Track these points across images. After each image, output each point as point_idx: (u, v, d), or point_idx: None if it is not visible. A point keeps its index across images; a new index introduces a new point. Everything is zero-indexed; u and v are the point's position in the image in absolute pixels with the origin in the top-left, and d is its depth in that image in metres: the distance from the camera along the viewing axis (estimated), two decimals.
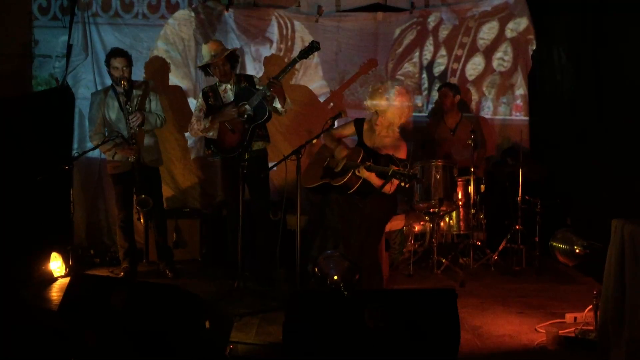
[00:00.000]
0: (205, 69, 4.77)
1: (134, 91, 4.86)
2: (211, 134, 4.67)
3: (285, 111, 4.70)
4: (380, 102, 4.12)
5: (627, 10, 4.63)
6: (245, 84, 4.73)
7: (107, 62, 4.84)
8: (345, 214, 4.09)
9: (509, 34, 6.01)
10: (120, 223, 5.00)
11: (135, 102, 4.84)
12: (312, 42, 4.46)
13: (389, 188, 4.08)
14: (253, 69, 5.99)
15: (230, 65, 4.71)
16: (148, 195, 4.77)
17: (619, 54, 4.82)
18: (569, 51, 5.69)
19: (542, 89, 6.09)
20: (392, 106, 4.09)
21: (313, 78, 6.13)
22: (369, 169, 4.01)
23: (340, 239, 4.03)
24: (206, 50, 4.67)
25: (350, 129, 4.43)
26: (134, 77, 4.95)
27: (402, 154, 4.15)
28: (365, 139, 4.30)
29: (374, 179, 4.05)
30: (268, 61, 6.05)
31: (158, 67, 5.94)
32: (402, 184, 3.81)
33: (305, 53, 4.45)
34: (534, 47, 5.99)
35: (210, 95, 4.76)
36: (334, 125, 4.37)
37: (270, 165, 4.78)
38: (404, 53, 6.17)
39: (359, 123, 4.37)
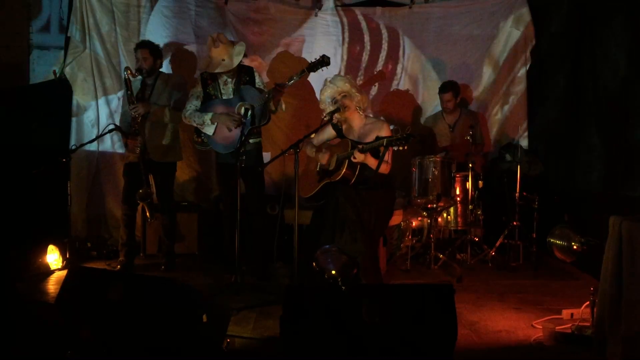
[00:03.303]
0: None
1: (157, 83, 4.89)
2: (207, 130, 4.65)
3: (275, 111, 4.68)
4: (333, 91, 4.31)
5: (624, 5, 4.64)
6: (246, 78, 4.71)
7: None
8: (356, 204, 4.11)
9: (508, 29, 6.00)
10: (123, 215, 5.01)
11: (148, 94, 4.86)
12: (323, 56, 4.43)
13: (385, 167, 4.15)
14: (250, 62, 5.97)
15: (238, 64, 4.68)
16: (155, 189, 4.80)
17: (617, 50, 4.82)
18: (567, 46, 5.69)
19: (541, 85, 6.09)
20: (344, 87, 4.28)
21: (307, 21, 6.12)
22: (362, 151, 4.09)
23: (357, 229, 4.03)
24: (216, 54, 4.57)
25: (329, 132, 4.54)
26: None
27: (386, 132, 4.24)
28: (347, 136, 4.41)
29: (369, 159, 4.13)
30: (275, 58, 6.05)
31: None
32: (401, 148, 3.84)
33: (315, 66, 4.41)
34: (533, 43, 5.99)
35: (210, 84, 4.73)
36: (332, 119, 4.39)
37: (268, 159, 4.77)
38: (403, 48, 6.16)
39: (336, 125, 4.47)
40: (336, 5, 6.09)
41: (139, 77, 4.89)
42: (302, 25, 6.07)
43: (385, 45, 6.15)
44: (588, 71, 5.27)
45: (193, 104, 4.74)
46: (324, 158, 4.40)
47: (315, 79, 6.10)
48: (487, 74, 6.10)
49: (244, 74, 4.75)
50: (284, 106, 4.69)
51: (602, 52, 5.03)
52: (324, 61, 4.41)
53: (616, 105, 4.83)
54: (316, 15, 6.05)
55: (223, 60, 4.58)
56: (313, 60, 4.45)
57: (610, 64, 4.88)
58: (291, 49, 6.07)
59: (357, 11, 6.13)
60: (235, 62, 4.61)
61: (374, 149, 4.11)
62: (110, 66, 5.81)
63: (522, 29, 5.98)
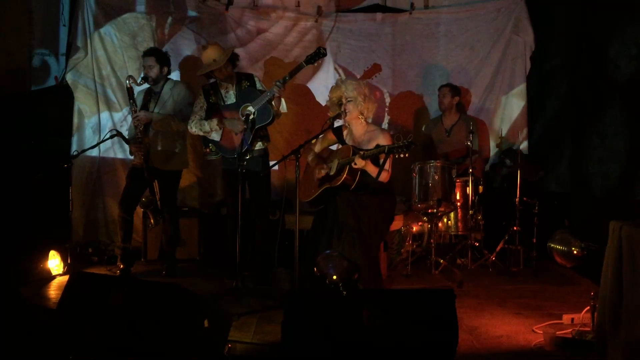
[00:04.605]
0: (207, 73, 4.73)
1: (164, 90, 4.92)
2: (214, 137, 4.66)
3: (279, 115, 4.67)
4: (340, 93, 4.32)
5: (623, 10, 4.67)
6: (247, 83, 4.73)
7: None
8: (355, 210, 4.12)
9: (508, 35, 6.02)
10: (118, 217, 5.01)
11: (154, 102, 4.90)
12: (319, 48, 4.43)
13: (385, 176, 4.17)
14: (252, 69, 5.99)
15: (232, 66, 4.70)
16: (156, 197, 4.81)
17: (617, 54, 4.85)
18: (567, 52, 5.71)
19: (540, 90, 6.11)
20: (351, 92, 4.29)
21: (313, 78, 6.14)
22: (364, 157, 4.10)
23: (355, 235, 4.04)
24: (207, 57, 4.61)
25: (331, 138, 4.54)
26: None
27: (386, 140, 4.26)
28: (348, 142, 4.43)
29: (370, 167, 4.15)
30: (269, 63, 6.06)
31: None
32: (402, 156, 3.85)
33: (312, 59, 4.40)
34: (533, 49, 6.00)
35: (212, 94, 4.73)
36: (333, 125, 4.41)
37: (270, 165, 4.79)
38: (402, 54, 6.19)
39: (337, 130, 4.49)
40: (336, 11, 6.11)
41: (145, 84, 4.90)
42: (302, 31, 6.08)
43: (385, 51, 6.19)
44: (589, 74, 5.30)
45: (198, 115, 4.73)
46: (320, 173, 4.43)
47: (315, 85, 6.15)
48: (487, 79, 6.11)
49: (244, 80, 4.76)
50: (284, 105, 4.67)
51: (603, 57, 5.05)
52: (320, 53, 4.40)
53: (618, 107, 4.86)
54: (316, 22, 6.07)
55: (214, 60, 4.59)
56: (309, 54, 4.44)
57: (612, 67, 4.91)
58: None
59: (357, 17, 6.14)
60: (225, 57, 4.59)
61: (375, 157, 4.13)
62: (112, 72, 5.83)
63: (521, 35, 6.00)
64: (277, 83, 4.43)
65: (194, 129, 4.73)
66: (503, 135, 6.01)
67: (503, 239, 5.24)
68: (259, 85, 4.76)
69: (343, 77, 6.07)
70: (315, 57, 4.41)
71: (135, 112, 4.81)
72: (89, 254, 5.57)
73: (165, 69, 4.96)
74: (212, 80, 4.77)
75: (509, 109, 6.13)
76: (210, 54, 4.60)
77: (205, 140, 4.74)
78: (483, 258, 5.30)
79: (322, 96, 6.10)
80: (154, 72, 4.86)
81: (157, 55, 4.90)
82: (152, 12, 5.91)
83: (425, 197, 5.03)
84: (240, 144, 4.40)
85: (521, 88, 6.08)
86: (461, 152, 5.45)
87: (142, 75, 4.87)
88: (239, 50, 5.84)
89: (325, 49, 4.43)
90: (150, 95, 4.97)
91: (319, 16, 6.07)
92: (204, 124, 4.66)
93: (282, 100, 4.61)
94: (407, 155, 3.86)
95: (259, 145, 4.70)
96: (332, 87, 4.46)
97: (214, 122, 4.63)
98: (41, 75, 5.95)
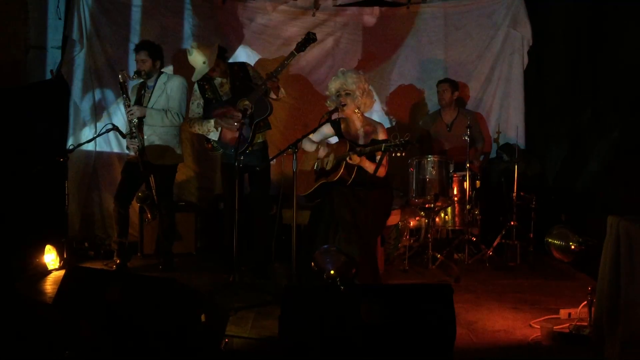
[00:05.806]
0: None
1: (157, 85, 4.88)
2: (213, 136, 4.63)
3: (279, 99, 4.64)
4: (339, 85, 4.31)
5: (625, 5, 4.66)
6: (241, 74, 4.67)
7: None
8: (352, 205, 4.10)
9: (505, 29, 6.01)
10: (114, 211, 5.00)
11: (148, 96, 4.86)
12: (308, 33, 4.38)
13: (381, 171, 4.17)
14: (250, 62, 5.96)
15: (223, 60, 4.65)
16: (153, 191, 4.79)
17: (616, 50, 4.84)
18: (565, 47, 5.70)
19: (538, 85, 6.10)
20: (351, 86, 4.27)
21: (310, 71, 6.12)
22: (360, 154, 4.08)
23: (352, 231, 4.03)
24: (195, 61, 4.54)
25: (328, 130, 4.51)
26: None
27: (383, 135, 4.27)
28: (345, 136, 4.41)
29: (366, 163, 4.14)
30: (264, 60, 6.04)
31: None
32: (399, 154, 3.85)
33: (302, 46, 4.37)
34: (531, 43, 5.99)
35: (207, 89, 4.69)
36: (330, 118, 4.39)
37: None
38: (400, 48, 6.17)
39: (335, 123, 4.46)
40: (333, 5, 6.08)
41: (139, 79, 4.86)
42: (299, 24, 6.06)
43: (383, 45, 6.17)
44: (587, 69, 5.29)
45: (195, 113, 4.70)
46: (324, 152, 4.40)
47: (314, 77, 6.12)
48: (485, 74, 6.10)
49: (237, 71, 4.70)
50: (283, 91, 4.63)
51: (603, 56, 5.05)
52: (310, 38, 4.36)
53: (615, 103, 4.85)
54: (314, 15, 6.05)
55: (204, 63, 4.53)
56: (299, 40, 4.41)
57: (610, 62, 4.90)
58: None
59: (355, 11, 6.11)
60: (213, 55, 4.52)
61: (371, 152, 4.11)
62: (107, 66, 5.80)
63: (519, 29, 5.98)
64: (270, 75, 4.40)
65: (192, 128, 4.73)
66: (500, 130, 6.02)
67: (500, 233, 5.25)
68: (252, 74, 4.71)
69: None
70: (305, 43, 4.37)
71: (129, 106, 4.78)
72: (85, 248, 5.55)
73: (158, 63, 4.91)
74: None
75: (507, 104, 6.11)
76: (198, 57, 4.53)
77: (206, 136, 4.72)
78: (480, 253, 5.30)
79: (320, 86, 6.06)
80: (146, 67, 4.81)
81: (150, 49, 4.84)
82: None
83: (423, 191, 5.02)
84: (238, 139, 4.37)
85: (519, 83, 6.06)
86: (462, 149, 5.43)
87: (134, 69, 4.83)
88: (236, 45, 5.84)
89: (314, 34, 4.38)
90: (144, 90, 4.94)
91: (316, 9, 6.05)
92: (202, 124, 4.64)
93: (280, 87, 4.57)
94: (403, 154, 3.85)
95: (258, 139, 4.67)
96: (332, 78, 4.43)
97: (211, 123, 4.59)
98: (37, 69, 5.92)
